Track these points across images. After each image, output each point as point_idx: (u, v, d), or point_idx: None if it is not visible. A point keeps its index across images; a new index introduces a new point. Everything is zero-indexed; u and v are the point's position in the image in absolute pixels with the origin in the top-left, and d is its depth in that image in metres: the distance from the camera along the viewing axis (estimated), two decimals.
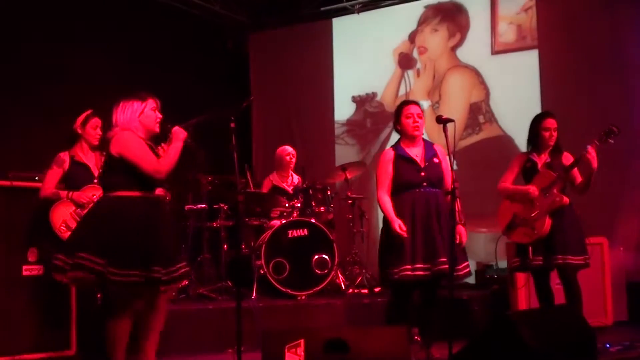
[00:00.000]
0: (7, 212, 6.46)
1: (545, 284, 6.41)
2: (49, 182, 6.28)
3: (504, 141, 9.71)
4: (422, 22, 10.51)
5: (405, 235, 5.76)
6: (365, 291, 8.37)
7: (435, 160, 6.01)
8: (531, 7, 9.68)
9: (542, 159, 6.43)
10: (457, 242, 5.71)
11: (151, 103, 5.26)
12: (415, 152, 6.01)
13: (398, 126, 6.16)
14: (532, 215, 6.27)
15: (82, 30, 8.98)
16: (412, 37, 10.57)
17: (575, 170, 6.27)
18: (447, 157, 6.09)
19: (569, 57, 9.23)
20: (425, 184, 5.88)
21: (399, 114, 6.12)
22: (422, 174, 5.90)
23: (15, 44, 8.25)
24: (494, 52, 9.96)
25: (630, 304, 7.92)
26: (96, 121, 6.42)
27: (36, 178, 6.70)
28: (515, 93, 9.63)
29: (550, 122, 6.38)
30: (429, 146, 6.09)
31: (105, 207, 5.05)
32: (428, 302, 6.04)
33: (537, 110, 9.11)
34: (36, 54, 8.42)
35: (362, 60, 10.87)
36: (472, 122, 9.94)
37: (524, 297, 7.45)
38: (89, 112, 6.46)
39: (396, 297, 6.12)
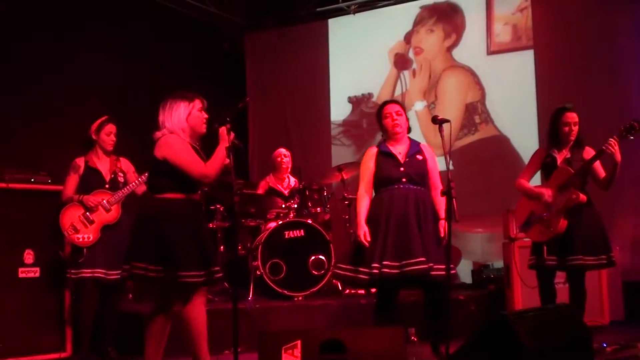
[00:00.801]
0: (3, 214, 6.48)
1: (549, 283, 6.31)
2: (68, 187, 6.46)
3: (500, 141, 9.71)
4: (418, 22, 10.51)
5: (366, 244, 5.78)
6: (362, 292, 8.37)
7: (419, 157, 6.00)
8: (526, 7, 9.69)
9: (562, 155, 6.27)
10: (442, 235, 5.75)
11: (198, 104, 5.22)
12: (399, 150, 6.02)
13: (381, 129, 6.18)
14: (548, 213, 6.18)
15: (78, 31, 8.96)
16: (407, 38, 10.58)
17: (598, 165, 6.14)
18: (435, 156, 6.11)
19: (565, 58, 9.24)
20: (404, 179, 5.88)
21: (379, 117, 6.15)
22: (401, 169, 5.89)
23: (11, 44, 8.23)
24: (490, 53, 9.97)
25: (626, 303, 7.94)
26: (110, 127, 6.53)
27: (32, 180, 6.72)
28: (511, 93, 9.63)
29: (571, 117, 6.22)
30: (414, 144, 6.09)
31: (153, 209, 5.05)
32: (434, 303, 5.92)
33: (533, 110, 9.17)
34: (32, 54, 8.40)
35: (358, 60, 10.86)
36: (468, 122, 9.95)
37: (520, 296, 7.47)
38: (104, 118, 6.54)
39: (378, 297, 6.11)
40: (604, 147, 5.93)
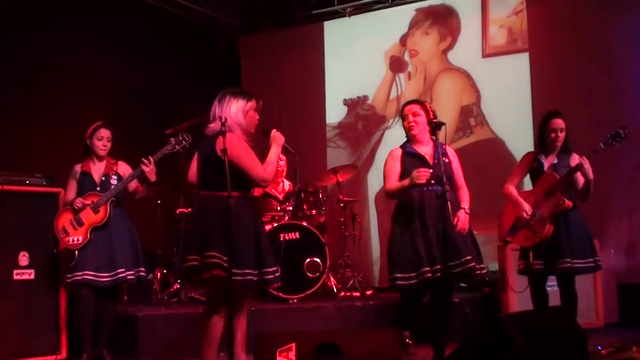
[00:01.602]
0: None
1: (541, 287, 6.37)
2: (68, 193, 6.52)
3: (495, 144, 9.73)
4: (413, 25, 10.52)
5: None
6: (357, 294, 8.38)
7: (445, 159, 5.95)
8: (522, 10, 9.70)
9: (549, 160, 6.34)
10: (458, 229, 5.74)
11: (254, 103, 5.25)
12: (424, 151, 5.99)
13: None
14: (534, 218, 6.24)
15: (75, 33, 8.96)
16: (403, 40, 10.58)
17: (579, 176, 6.18)
18: (457, 157, 6.12)
19: (560, 60, 9.26)
20: (433, 182, 5.81)
21: (401, 116, 6.16)
22: (430, 170, 5.80)
23: (7, 46, 8.23)
24: (485, 55, 9.97)
25: (621, 305, 7.95)
26: (103, 132, 6.50)
27: (27, 182, 6.71)
28: (506, 96, 9.64)
29: (557, 123, 6.29)
30: (439, 145, 5.98)
31: (217, 206, 4.99)
32: (440, 304, 5.88)
33: (528, 113, 9.18)
34: (26, 57, 8.40)
35: (353, 63, 10.87)
36: (463, 125, 9.96)
37: (515, 299, 7.47)
38: (98, 123, 6.53)
39: (404, 301, 6.10)
40: (578, 164, 6.06)
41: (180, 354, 6.79)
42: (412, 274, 5.71)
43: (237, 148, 5.00)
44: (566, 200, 6.12)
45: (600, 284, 7.64)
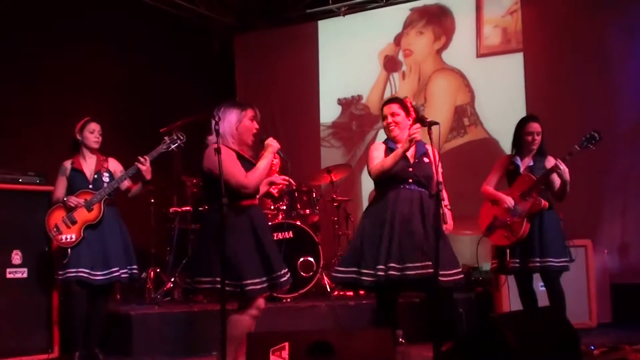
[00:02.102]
0: None
1: (527, 286, 6.46)
2: (57, 190, 6.43)
3: (489, 144, 9.74)
4: (408, 25, 10.53)
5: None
6: (351, 293, 8.37)
7: (426, 159, 5.93)
8: (516, 10, 9.72)
9: (525, 163, 6.46)
10: (447, 227, 5.70)
11: (249, 113, 5.26)
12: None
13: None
14: (512, 218, 6.32)
15: (68, 31, 8.95)
16: (397, 40, 10.59)
17: (555, 177, 6.28)
18: (438, 158, 6.08)
19: (554, 61, 9.27)
20: (411, 180, 5.81)
21: (381, 117, 6.14)
22: (410, 169, 5.81)
23: (1, 45, 8.22)
24: (479, 55, 9.99)
25: (614, 305, 7.96)
26: (94, 125, 6.45)
27: (20, 180, 6.69)
28: (500, 96, 9.66)
29: (533, 127, 6.42)
30: (420, 145, 5.98)
31: (210, 221, 5.10)
32: (439, 306, 5.81)
33: (522, 113, 9.17)
34: (23, 56, 8.39)
35: (347, 62, 10.88)
36: (457, 124, 9.97)
37: (508, 299, 7.48)
38: (87, 118, 6.47)
39: (379, 299, 6.08)
40: (553, 167, 6.18)
41: (174, 353, 6.78)
42: (369, 271, 5.70)
43: (212, 158, 5.03)
44: (542, 201, 6.25)
45: (593, 284, 7.65)
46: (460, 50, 10.11)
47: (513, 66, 9.61)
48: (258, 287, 5.06)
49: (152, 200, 8.36)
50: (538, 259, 6.21)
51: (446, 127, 9.82)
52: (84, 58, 9.10)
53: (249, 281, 5.01)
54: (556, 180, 6.29)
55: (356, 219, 9.61)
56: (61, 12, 8.87)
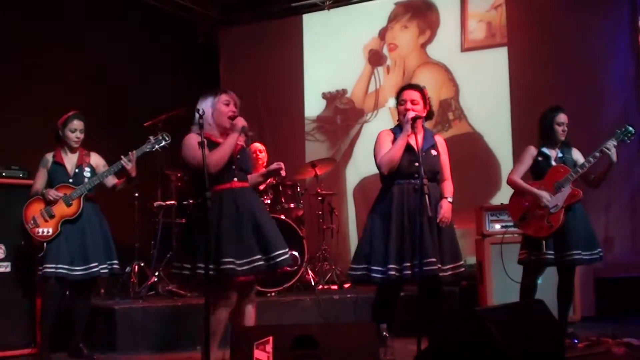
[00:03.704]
0: None
1: (536, 279, 6.44)
2: (36, 182, 6.38)
3: (473, 138, 9.75)
4: (392, 19, 10.53)
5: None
6: (335, 287, 8.39)
7: (433, 152, 5.84)
8: (501, 4, 9.73)
9: (554, 154, 6.44)
10: (441, 218, 5.67)
11: (223, 97, 5.32)
12: (413, 141, 5.69)
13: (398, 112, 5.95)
14: (548, 209, 6.28)
15: (53, 26, 8.92)
16: (382, 34, 10.59)
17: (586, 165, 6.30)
18: (447, 149, 5.99)
19: (538, 55, 9.29)
20: (417, 175, 5.61)
21: (397, 99, 5.92)
22: (416, 164, 5.59)
23: None
24: (464, 50, 9.99)
25: (597, 299, 7.99)
26: (77, 124, 6.38)
27: (3, 174, 6.66)
28: (485, 90, 9.67)
29: (563, 117, 6.43)
30: (428, 135, 5.90)
31: (194, 210, 5.20)
32: (429, 298, 5.75)
33: (507, 107, 9.23)
34: (7, 50, 8.33)
35: (332, 56, 10.86)
36: (441, 119, 9.97)
37: (493, 292, 7.50)
38: (70, 113, 6.41)
39: (382, 295, 5.97)
40: (604, 149, 6.18)
41: (158, 347, 6.78)
42: (379, 268, 5.65)
43: (185, 145, 5.20)
44: (580, 192, 6.28)
45: (578, 278, 7.66)
46: (445, 45, 10.11)
47: (498, 60, 9.62)
48: (236, 267, 5.08)
49: (137, 195, 8.32)
50: (573, 252, 6.21)
51: (431, 121, 9.80)
52: (63, 50, 9.05)
53: (225, 259, 5.05)
54: (590, 170, 6.33)
55: (340, 212, 9.63)
56: (40, 3, 8.80)
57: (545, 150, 6.46)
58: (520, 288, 6.49)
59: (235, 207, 5.19)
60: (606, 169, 6.26)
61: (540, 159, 6.47)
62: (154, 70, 10.15)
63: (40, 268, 6.15)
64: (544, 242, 6.28)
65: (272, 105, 11.15)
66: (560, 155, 6.42)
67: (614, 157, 6.16)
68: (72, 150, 6.42)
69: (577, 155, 6.43)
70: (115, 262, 6.45)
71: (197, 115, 5.11)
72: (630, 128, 6.24)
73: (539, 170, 6.47)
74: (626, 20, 8.85)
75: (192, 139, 5.15)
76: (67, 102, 6.70)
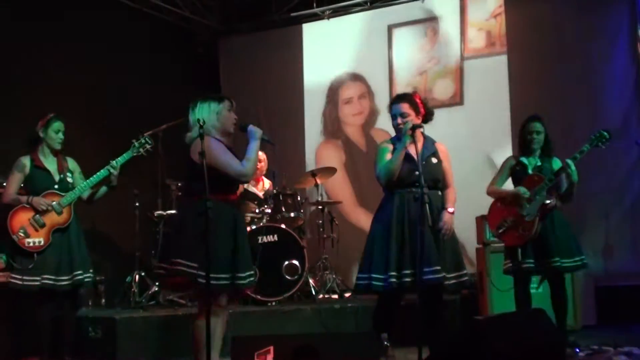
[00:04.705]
0: None
1: (527, 288, 6.45)
2: (10, 187, 6.15)
3: (473, 145, 9.73)
4: (392, 27, 10.51)
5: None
6: (336, 296, 8.37)
7: (434, 159, 5.86)
8: (500, 13, 9.72)
9: (531, 162, 6.47)
10: (443, 231, 5.70)
11: (227, 104, 5.34)
12: (413, 150, 5.70)
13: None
14: (523, 217, 6.30)
15: (50, 33, 8.90)
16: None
17: (563, 178, 6.28)
18: (449, 156, 6.00)
19: (538, 64, 9.29)
20: (417, 183, 5.55)
21: (390, 113, 5.97)
22: (416, 173, 5.56)
23: None
24: (464, 58, 9.98)
25: (598, 308, 7.98)
26: (59, 125, 6.26)
27: (4, 185, 6.61)
28: (485, 98, 9.65)
29: (531, 126, 6.45)
30: (429, 143, 5.92)
31: (193, 211, 5.04)
32: (431, 307, 5.72)
33: (507, 115, 9.20)
34: (6, 59, 8.33)
35: (332, 66, 10.86)
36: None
37: (493, 301, 7.49)
38: (52, 114, 6.29)
39: (382, 304, 5.98)
40: (563, 167, 6.21)
41: (158, 357, 6.77)
42: (380, 276, 5.67)
43: (212, 149, 5.10)
44: (554, 199, 6.28)
45: (578, 286, 7.67)
46: (445, 53, 10.10)
47: (497, 68, 9.61)
48: (225, 282, 5.09)
49: (137, 204, 8.32)
50: (552, 259, 6.20)
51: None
52: (66, 60, 9.04)
53: (221, 275, 5.04)
54: (563, 181, 6.30)
55: (341, 222, 9.61)
56: (41, 11, 8.79)
57: (523, 159, 6.51)
58: (514, 297, 6.51)
59: (233, 220, 5.20)
60: (568, 187, 6.28)
61: (518, 168, 6.52)
62: (153, 80, 10.14)
63: (27, 278, 5.95)
64: (519, 250, 6.33)
65: (272, 114, 11.14)
66: (538, 164, 6.44)
67: (573, 176, 6.17)
68: (54, 152, 6.26)
69: (556, 165, 6.40)
70: (91, 270, 6.30)
71: (197, 126, 5.08)
72: (605, 133, 6.25)
73: (516, 180, 6.53)
74: (626, 26, 8.85)
75: (215, 144, 5.16)
76: (66, 111, 6.65)
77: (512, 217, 6.36)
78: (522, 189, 6.33)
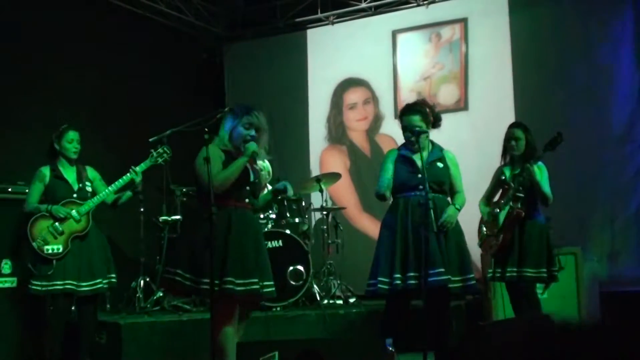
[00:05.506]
0: None
1: (517, 295, 6.44)
2: (32, 196, 6.29)
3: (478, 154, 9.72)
4: (397, 32, 10.52)
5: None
6: (341, 302, 8.37)
7: (439, 164, 5.91)
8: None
9: (511, 171, 6.50)
10: (444, 222, 5.72)
11: (245, 119, 5.25)
12: (418, 155, 5.76)
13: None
14: (495, 228, 6.42)
15: (55, 40, 8.92)
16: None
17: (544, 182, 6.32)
18: (457, 163, 6.04)
19: (542, 69, 9.28)
20: (421, 187, 5.62)
21: (401, 126, 6.02)
22: (419, 175, 5.68)
23: None
24: (468, 63, 9.96)
25: (603, 313, 7.96)
26: (73, 134, 6.35)
27: (9, 189, 6.65)
28: (489, 107, 9.65)
29: (510, 132, 6.49)
30: (436, 150, 5.99)
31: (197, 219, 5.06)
32: (436, 312, 5.72)
33: (511, 120, 9.15)
34: (8, 64, 8.35)
35: (336, 71, 10.86)
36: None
37: (499, 307, 7.48)
38: (65, 125, 6.39)
39: (390, 308, 5.98)
40: (521, 170, 6.31)
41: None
42: (385, 280, 5.71)
43: (199, 157, 5.05)
44: (516, 210, 6.28)
45: (583, 291, 7.66)
46: (452, 58, 10.10)
47: (502, 74, 9.60)
48: (235, 287, 4.99)
49: (142, 210, 8.32)
50: (515, 269, 6.26)
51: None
52: (68, 67, 9.06)
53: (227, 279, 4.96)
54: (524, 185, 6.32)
55: (346, 227, 9.61)
56: (43, 21, 8.83)
57: (505, 168, 6.57)
58: (511, 304, 6.55)
59: (242, 227, 5.15)
60: (535, 187, 6.30)
61: (502, 177, 6.56)
62: (158, 86, 10.16)
63: (43, 284, 6.07)
64: (492, 260, 6.47)
65: (277, 119, 11.12)
66: (517, 172, 6.43)
67: (532, 177, 6.20)
68: (70, 162, 6.38)
69: (543, 171, 6.39)
70: (113, 275, 6.43)
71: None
72: (557, 137, 6.23)
73: (503, 189, 6.59)
74: (630, 31, 8.84)
75: (215, 152, 5.12)
76: (70, 118, 6.69)
77: (488, 228, 6.54)
78: (485, 212, 6.56)
